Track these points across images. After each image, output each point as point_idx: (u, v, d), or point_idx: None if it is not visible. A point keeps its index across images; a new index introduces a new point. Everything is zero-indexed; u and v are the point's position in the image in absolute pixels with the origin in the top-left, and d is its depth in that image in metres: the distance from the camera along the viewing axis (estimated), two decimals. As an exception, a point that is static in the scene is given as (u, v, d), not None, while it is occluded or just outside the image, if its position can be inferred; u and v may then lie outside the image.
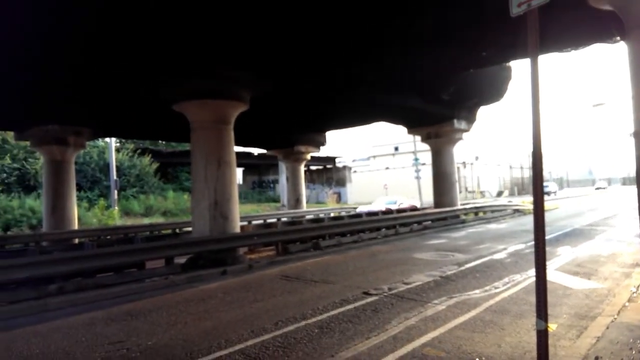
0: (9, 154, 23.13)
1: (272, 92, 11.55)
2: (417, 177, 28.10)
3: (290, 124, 18.73)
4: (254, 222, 17.53)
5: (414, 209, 20.77)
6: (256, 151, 33.04)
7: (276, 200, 35.58)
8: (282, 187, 31.45)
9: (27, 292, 7.09)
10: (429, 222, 16.45)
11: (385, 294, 6.65)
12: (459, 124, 18.52)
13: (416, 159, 28.26)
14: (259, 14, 7.75)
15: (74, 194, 15.99)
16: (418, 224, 15.91)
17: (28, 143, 16.96)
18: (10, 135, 21.11)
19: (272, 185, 42.14)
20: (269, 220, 19.45)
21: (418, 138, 21.38)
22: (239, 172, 36.01)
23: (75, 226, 15.75)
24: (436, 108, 16.91)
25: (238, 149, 11.51)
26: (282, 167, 28.10)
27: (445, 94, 14.97)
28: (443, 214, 17.53)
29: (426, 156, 23.59)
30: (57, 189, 15.25)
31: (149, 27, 7.97)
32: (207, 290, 7.66)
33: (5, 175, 22.41)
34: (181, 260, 9.55)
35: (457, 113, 18.14)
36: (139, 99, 12.22)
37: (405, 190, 30.97)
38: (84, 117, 14.32)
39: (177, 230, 17.05)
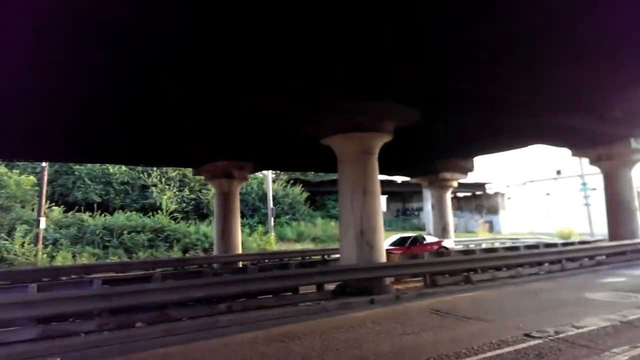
0: (187, 187, 27.01)
1: (416, 123, 11.53)
2: (587, 204, 24.79)
3: (435, 150, 18.32)
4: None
5: (440, 246, 17.01)
6: (399, 178, 32.97)
7: (421, 228, 34.78)
8: (427, 214, 30.65)
9: (203, 309, 8.09)
10: (603, 256, 14.29)
11: (550, 337, 5.93)
12: (636, 144, 15.95)
13: (584, 184, 25.03)
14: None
15: (238, 221, 17.90)
16: (589, 259, 13.95)
17: (202, 177, 19.65)
18: (188, 171, 24.68)
19: (416, 212, 41.38)
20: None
21: (585, 160, 18.95)
22: (382, 200, 36.28)
23: (240, 250, 17.55)
24: (605, 126, 14.85)
25: (381, 177, 11.65)
26: (427, 194, 27.45)
27: (617, 110, 13.07)
28: (621, 247, 15.06)
29: (596, 180, 20.70)
30: (226, 216, 17.25)
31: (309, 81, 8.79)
32: (356, 319, 7.78)
33: (184, 204, 26.16)
34: (330, 286, 9.91)
35: (633, 131, 15.67)
36: (291, 137, 13.32)
37: (571, 218, 27.50)
38: (246, 154, 16.11)
39: (326, 257, 17.79)
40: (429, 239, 17.56)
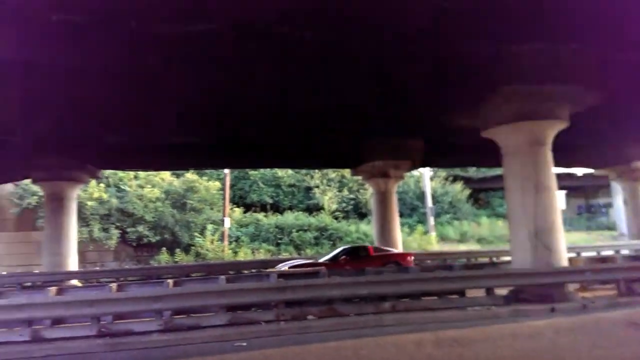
0: (346, 187, 28.03)
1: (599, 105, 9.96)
2: None
3: (624, 136, 15.62)
4: (584, 255, 15.26)
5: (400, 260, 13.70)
6: (579, 171, 28.93)
7: (610, 227, 29.96)
8: (618, 211, 26.26)
9: (367, 307, 8.26)
10: None
11: None
12: None
13: None
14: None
15: (397, 220, 17.86)
16: None
17: (359, 177, 20.18)
18: (346, 172, 25.63)
19: (603, 209, 35.80)
20: (603, 253, 16.58)
21: None
22: (559, 196, 32.33)
23: (400, 250, 17.50)
24: None
25: (557, 170, 10.34)
26: (616, 188, 23.56)
27: None
28: None
29: None
30: (384, 215, 17.39)
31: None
32: (533, 328, 7.04)
33: (344, 204, 27.22)
34: (501, 291, 9.18)
35: None
36: (448, 130, 12.76)
37: None
38: (402, 152, 16.00)
39: (494, 259, 16.59)
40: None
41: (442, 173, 31.52)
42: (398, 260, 13.67)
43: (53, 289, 8.42)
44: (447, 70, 8.79)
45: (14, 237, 19.69)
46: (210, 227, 21.87)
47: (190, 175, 23.51)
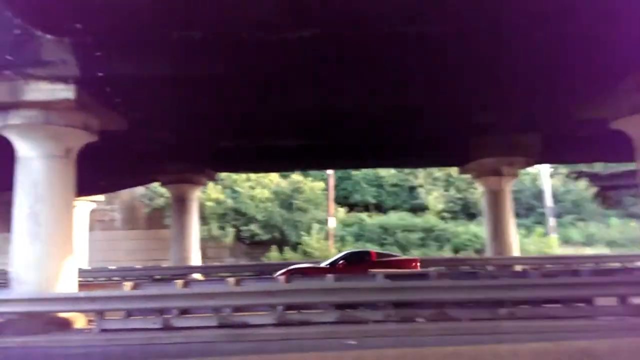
0: (453, 186, 26.86)
1: None
2: None
3: None
4: None
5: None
6: None
7: None
8: None
9: (481, 312, 7.80)
10: None
11: None
12: None
13: None
14: None
15: (511, 222, 16.66)
16: None
17: (468, 175, 19.17)
18: (453, 170, 24.55)
19: None
20: None
21: None
22: None
23: (516, 252, 16.30)
24: None
25: None
26: None
27: None
28: None
29: None
30: (497, 216, 16.33)
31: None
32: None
33: (451, 204, 26.10)
34: (637, 300, 8.05)
35: None
36: (571, 124, 11.56)
37: None
38: (517, 149, 14.86)
39: (627, 265, 14.69)
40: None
41: (564, 170, 28.70)
42: (401, 267, 12.55)
43: (180, 281, 9.28)
44: (574, 53, 7.93)
45: (145, 234, 22.15)
46: (315, 226, 22.45)
47: (296, 177, 24.40)
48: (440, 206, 25.10)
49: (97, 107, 8.97)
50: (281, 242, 22.04)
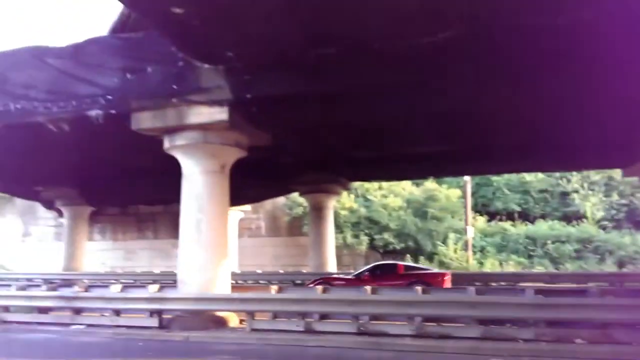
0: (615, 191, 23.42)
1: None
2: None
3: None
4: None
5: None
6: None
7: None
8: None
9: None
10: None
11: None
12: None
13: None
14: None
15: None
16: None
17: (635, 178, 16.52)
18: (615, 173, 21.41)
19: None
20: None
21: None
22: None
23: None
24: None
25: None
26: None
27: None
28: None
29: None
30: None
31: None
32: None
33: (614, 211, 22.78)
34: None
35: None
36: None
37: None
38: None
39: None
40: None
41: None
42: (428, 281, 11.79)
43: (319, 287, 9.68)
44: None
45: (286, 241, 23.62)
46: (452, 235, 21.52)
47: (430, 184, 23.71)
48: (600, 214, 22.11)
49: (245, 126, 9.91)
50: (416, 252, 21.60)
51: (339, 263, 19.98)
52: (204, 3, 7.00)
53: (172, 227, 23.67)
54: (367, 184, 23.93)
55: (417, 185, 24.43)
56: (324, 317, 8.70)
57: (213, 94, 8.91)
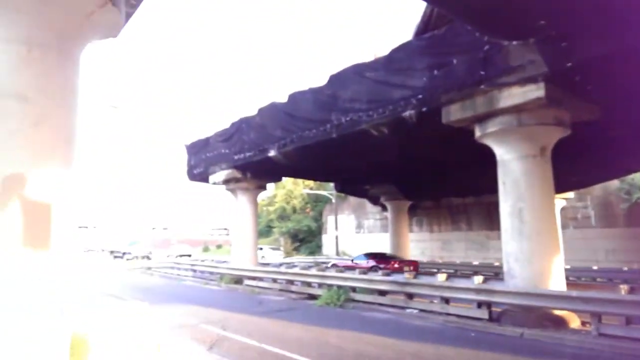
0: None
1: None
2: None
3: None
4: None
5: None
6: None
7: None
8: None
9: None
10: None
11: None
12: None
13: None
14: None
15: None
16: None
17: None
18: None
19: None
20: None
21: None
22: None
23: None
24: None
25: None
26: None
27: None
28: None
29: None
30: None
31: None
32: None
33: None
34: None
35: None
36: None
37: None
38: None
39: None
40: None
41: None
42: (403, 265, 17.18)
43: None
44: None
45: (622, 232, 19.53)
46: None
47: None
48: None
49: (566, 100, 8.66)
50: None
51: None
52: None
53: (484, 218, 23.36)
54: None
55: None
56: None
57: (525, 71, 8.13)
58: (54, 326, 3.49)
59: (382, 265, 17.22)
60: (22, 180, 3.50)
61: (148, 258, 31.20)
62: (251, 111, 16.03)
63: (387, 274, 12.32)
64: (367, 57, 15.40)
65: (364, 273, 12.84)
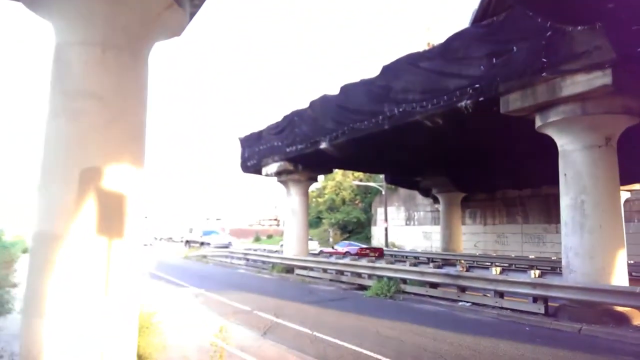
0: None
1: None
2: None
3: None
4: None
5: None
6: None
7: None
8: None
9: None
10: None
11: None
12: None
13: None
14: None
15: None
16: None
17: None
18: None
19: None
20: None
21: None
22: None
23: None
24: None
25: None
26: None
27: None
28: None
29: None
30: None
31: None
32: None
33: None
34: None
35: None
36: None
37: None
38: None
39: None
40: None
41: None
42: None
43: None
44: None
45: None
46: None
47: None
48: None
49: (635, 87, 8.13)
50: None
51: None
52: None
53: (541, 211, 22.39)
54: None
55: None
56: None
57: (590, 58, 7.71)
58: (126, 305, 3.80)
59: (353, 251, 21.71)
60: (98, 174, 3.78)
61: (226, 247, 31.90)
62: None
63: (439, 267, 12.18)
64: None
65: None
